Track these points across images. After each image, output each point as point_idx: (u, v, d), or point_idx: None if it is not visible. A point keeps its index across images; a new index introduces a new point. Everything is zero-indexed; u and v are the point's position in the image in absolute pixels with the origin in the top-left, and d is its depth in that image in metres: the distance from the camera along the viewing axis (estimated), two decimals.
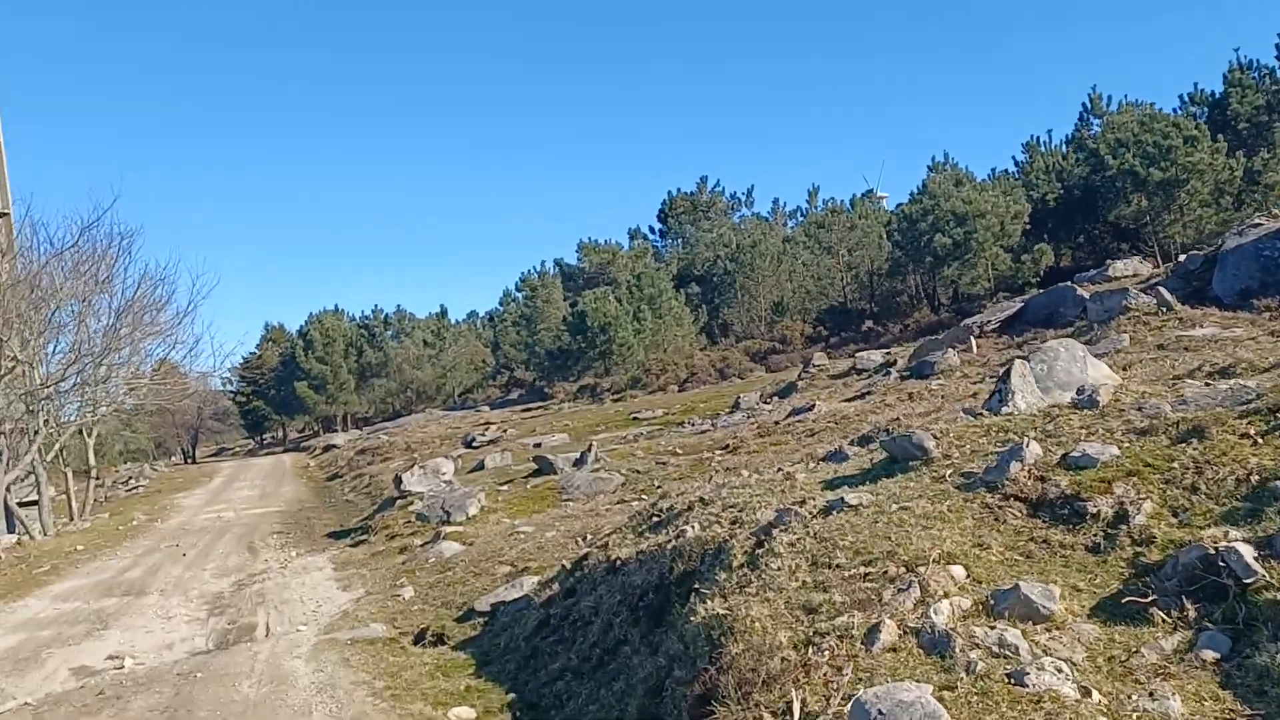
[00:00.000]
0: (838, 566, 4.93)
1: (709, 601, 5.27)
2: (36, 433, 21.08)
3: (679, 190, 72.49)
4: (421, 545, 13.11)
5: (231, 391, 74.84)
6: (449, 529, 13.33)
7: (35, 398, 20.94)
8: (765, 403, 19.93)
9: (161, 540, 19.95)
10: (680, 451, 15.58)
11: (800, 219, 69.66)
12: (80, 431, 27.41)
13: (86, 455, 27.82)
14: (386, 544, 14.43)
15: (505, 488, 16.18)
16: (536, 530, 11.92)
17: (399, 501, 17.28)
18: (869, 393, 15.55)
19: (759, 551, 5.62)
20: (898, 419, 11.71)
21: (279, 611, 10.95)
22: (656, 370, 40.04)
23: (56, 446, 24.22)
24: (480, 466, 19.60)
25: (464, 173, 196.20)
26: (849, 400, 15.93)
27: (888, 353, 20.94)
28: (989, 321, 17.13)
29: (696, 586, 5.90)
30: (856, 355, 21.48)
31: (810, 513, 5.78)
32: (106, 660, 9.44)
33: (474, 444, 25.87)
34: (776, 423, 15.57)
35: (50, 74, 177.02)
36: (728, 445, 14.96)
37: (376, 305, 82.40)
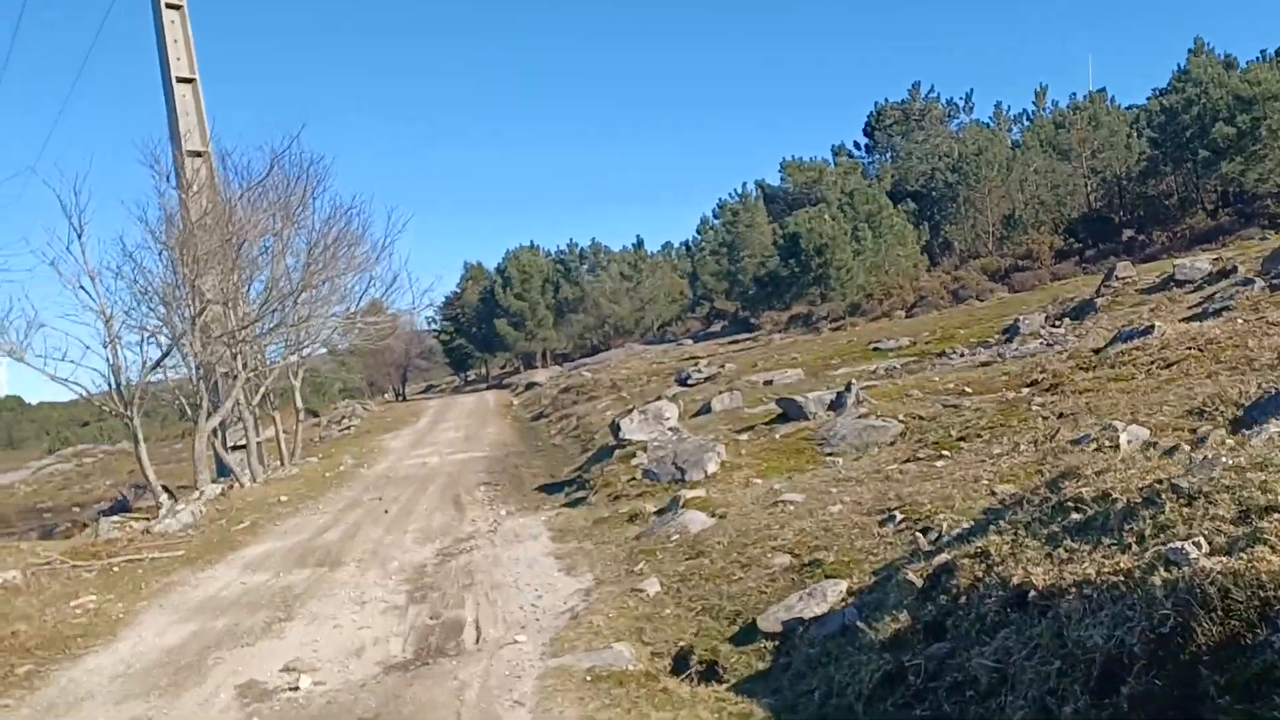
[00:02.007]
0: None
1: None
2: (236, 376, 20.03)
3: (887, 100, 66.73)
4: (656, 513, 10.54)
5: (436, 330, 76.19)
6: (688, 492, 10.70)
7: (234, 339, 19.84)
8: (1054, 326, 16.25)
9: (365, 490, 18.51)
10: (969, 390, 12.31)
11: (1026, 123, 63.07)
12: (288, 373, 26.74)
13: (294, 397, 27.12)
14: (610, 507, 11.99)
15: (744, 436, 13.43)
16: (808, 499, 9.07)
17: (617, 451, 14.88)
18: (1225, 309, 11.74)
19: None
20: None
21: (490, 602, 8.64)
22: (879, 295, 36.25)
23: (262, 389, 23.40)
24: (706, 409, 16.96)
25: (653, 99, 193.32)
26: (1191, 320, 12.14)
27: (1217, 259, 16.70)
28: None
29: None
30: (1175, 264, 17.31)
31: None
32: (281, 673, 7.35)
33: (689, 382, 23.31)
34: (1096, 351, 12.02)
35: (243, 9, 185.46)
36: (1036, 381, 11.58)
37: (571, 239, 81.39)
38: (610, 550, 9.63)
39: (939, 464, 9.06)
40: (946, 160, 54.13)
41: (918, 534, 6.75)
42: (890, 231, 39.22)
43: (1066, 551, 4.50)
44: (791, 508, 8.89)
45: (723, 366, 24.52)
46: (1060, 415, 9.42)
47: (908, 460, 9.82)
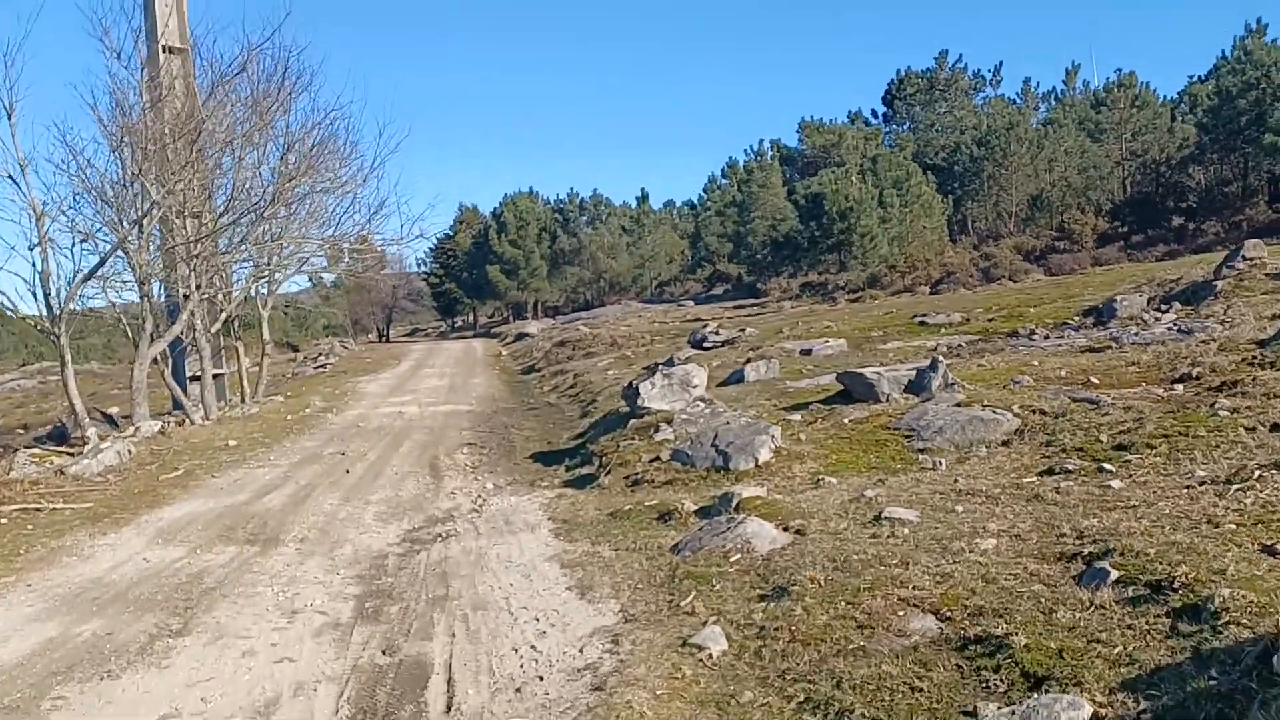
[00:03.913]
0: None
1: None
2: (186, 297, 17.24)
3: (909, 68, 63.70)
4: (698, 513, 7.94)
5: (425, 272, 73.66)
6: (741, 489, 8.09)
7: (189, 253, 17.03)
8: (1161, 309, 13.71)
9: (328, 441, 15.90)
10: (1096, 380, 9.71)
11: (1054, 102, 60.38)
12: (256, 303, 23.99)
13: (261, 329, 24.32)
14: (629, 496, 9.39)
15: (796, 417, 10.80)
16: (927, 520, 6.47)
17: (633, 422, 12.25)
18: None
19: None
20: None
21: (471, 635, 6.05)
22: (903, 268, 33.59)
23: (224, 315, 20.63)
24: (738, 378, 14.32)
25: (661, 49, 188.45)
26: None
27: None
28: None
29: None
30: None
31: None
32: None
33: (705, 345, 20.69)
34: (1261, 344, 9.45)
35: None
36: (1192, 377, 9.01)
37: (572, 188, 78.39)
38: (639, 564, 7.02)
39: (1114, 485, 6.46)
40: (974, 133, 51.34)
41: (1181, 619, 4.14)
42: (918, 201, 36.44)
43: None
44: (905, 531, 6.29)
45: (742, 331, 21.89)
46: (1275, 427, 6.85)
47: (1049, 472, 7.22)
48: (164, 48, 21.39)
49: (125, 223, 15.54)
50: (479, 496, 10.86)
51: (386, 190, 50.24)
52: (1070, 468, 7.09)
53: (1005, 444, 8.37)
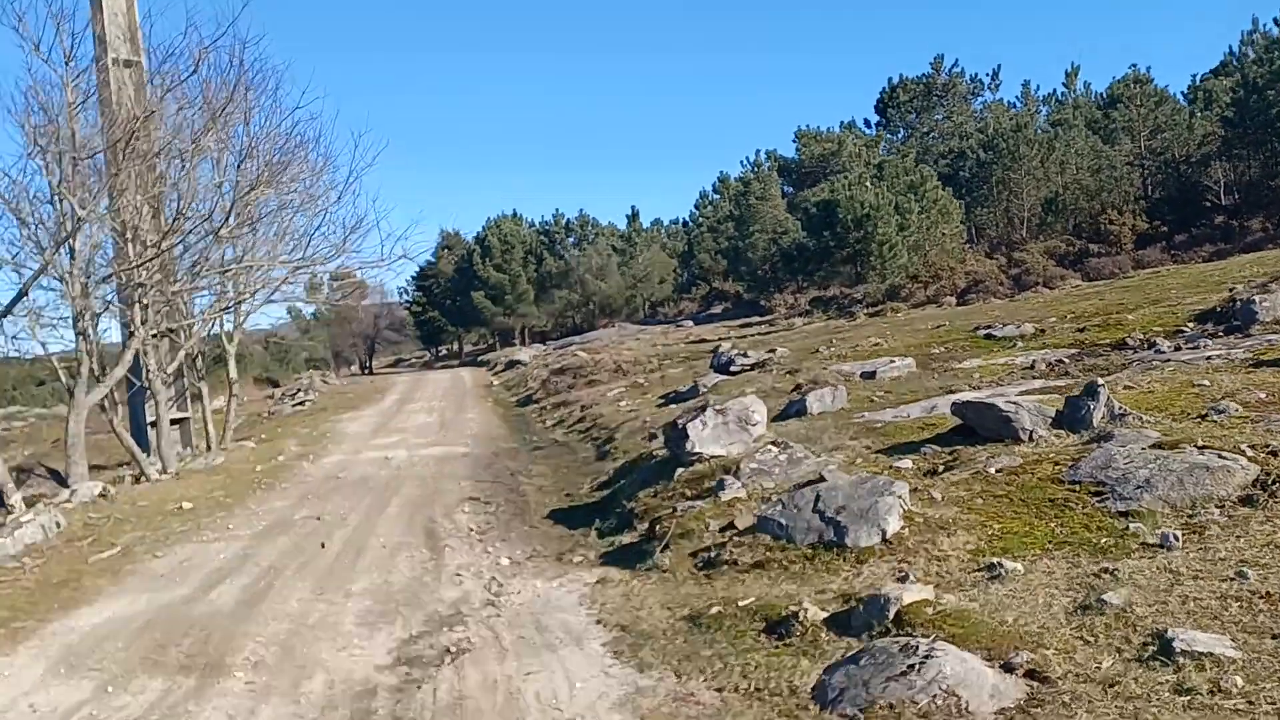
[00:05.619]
0: None
1: None
2: (132, 334, 14.63)
3: (902, 75, 61.66)
4: (828, 622, 5.40)
5: (407, 301, 70.97)
6: (882, 583, 5.56)
7: (132, 280, 14.45)
8: None
9: (301, 499, 13.31)
10: None
11: (1056, 104, 58.52)
12: (221, 338, 21.38)
13: (228, 367, 21.65)
14: (704, 582, 6.83)
15: (907, 464, 8.26)
16: (1260, 657, 3.97)
17: (683, 473, 9.71)
18: None
19: None
20: None
21: None
22: (925, 278, 31.22)
23: (180, 354, 18.00)
24: (799, 411, 11.77)
25: (645, 69, 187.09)
26: None
27: None
28: None
29: None
30: None
31: None
32: None
33: (732, 369, 18.17)
34: None
35: None
36: None
37: (557, 209, 75.71)
38: None
39: None
40: (979, 138, 49.28)
41: None
42: (935, 206, 34.13)
43: None
44: (1239, 682, 3.78)
45: (772, 352, 19.39)
46: None
47: None
48: (112, 60, 18.91)
49: (50, 245, 12.94)
50: (493, 579, 8.31)
51: (365, 207, 46.36)
52: None
53: (1247, 502, 5.89)
